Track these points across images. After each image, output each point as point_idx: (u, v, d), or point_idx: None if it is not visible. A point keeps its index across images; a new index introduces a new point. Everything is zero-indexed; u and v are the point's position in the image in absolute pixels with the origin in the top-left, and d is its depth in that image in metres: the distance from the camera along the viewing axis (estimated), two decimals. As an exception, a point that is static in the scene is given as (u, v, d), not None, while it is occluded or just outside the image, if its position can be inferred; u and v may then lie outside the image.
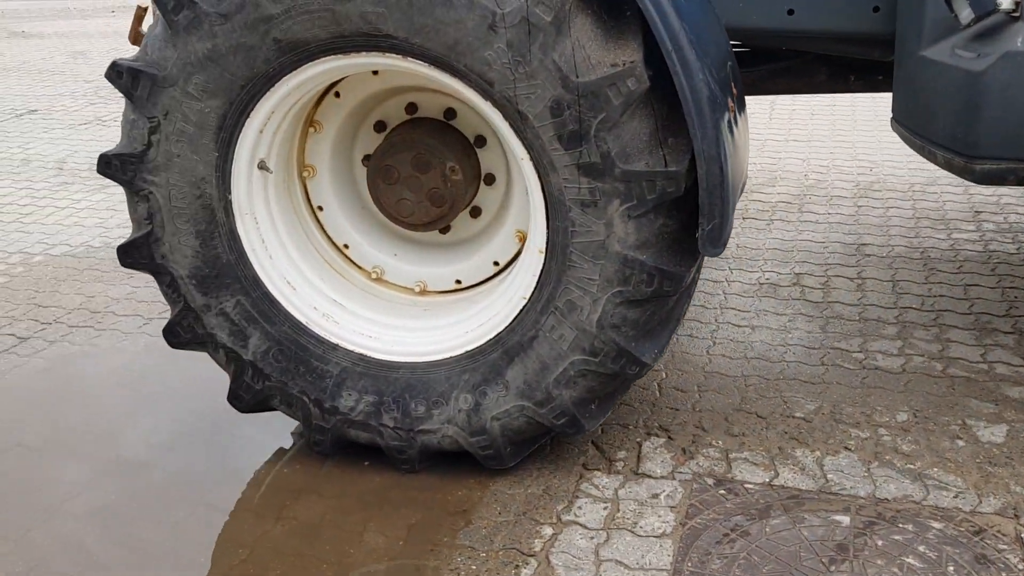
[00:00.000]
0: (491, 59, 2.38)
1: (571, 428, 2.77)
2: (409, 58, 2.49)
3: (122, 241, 2.88)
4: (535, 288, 2.70)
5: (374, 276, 3.14)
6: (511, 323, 2.73)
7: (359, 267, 3.15)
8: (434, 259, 3.16)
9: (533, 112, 2.42)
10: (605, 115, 2.38)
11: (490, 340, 2.78)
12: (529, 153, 2.51)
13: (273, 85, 2.60)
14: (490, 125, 2.83)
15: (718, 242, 2.48)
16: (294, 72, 2.58)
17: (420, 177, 2.88)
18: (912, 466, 2.91)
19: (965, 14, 2.84)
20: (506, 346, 2.74)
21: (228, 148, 2.70)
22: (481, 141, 2.99)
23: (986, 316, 3.84)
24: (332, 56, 2.54)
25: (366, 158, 3.08)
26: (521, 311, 2.71)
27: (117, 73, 2.64)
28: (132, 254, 2.86)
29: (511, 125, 2.49)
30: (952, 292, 4.07)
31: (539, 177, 2.54)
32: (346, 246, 3.15)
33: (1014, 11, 2.78)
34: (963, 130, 2.87)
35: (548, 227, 2.61)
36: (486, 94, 2.46)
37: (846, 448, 3.01)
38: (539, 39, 2.34)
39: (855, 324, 3.84)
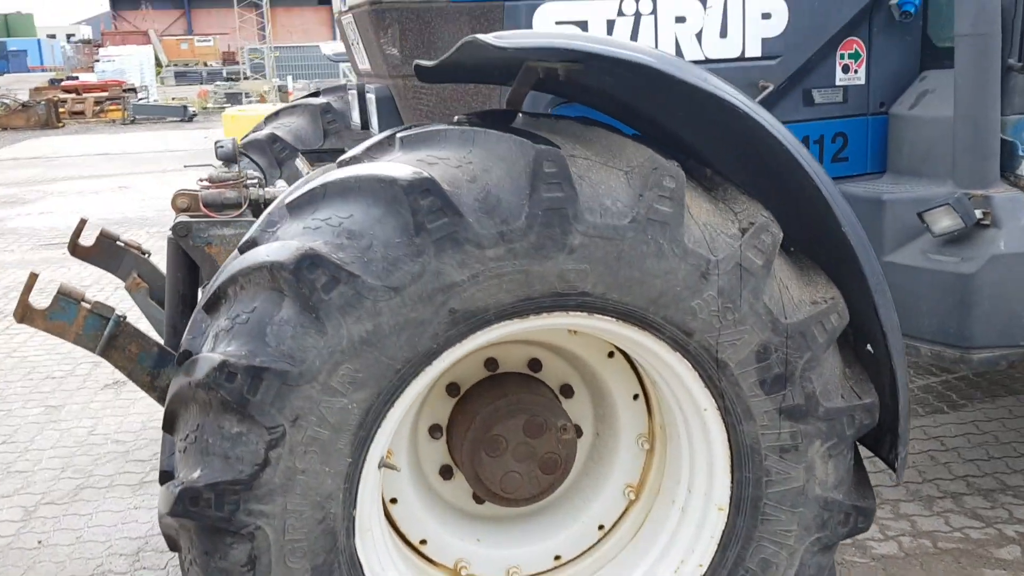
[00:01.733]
0: (698, 308, 2.17)
1: None
2: (596, 315, 2.18)
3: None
4: (716, 551, 2.41)
5: (462, 572, 2.59)
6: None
7: (439, 565, 2.59)
8: (523, 536, 2.70)
9: (736, 359, 2.23)
10: (811, 354, 2.27)
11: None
12: (718, 402, 2.29)
13: (431, 363, 2.10)
14: (584, 374, 2.58)
15: (904, 465, 2.44)
16: (457, 345, 2.11)
17: (533, 443, 2.48)
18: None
19: (942, 226, 3.18)
20: None
21: (363, 450, 2.10)
22: (568, 391, 2.68)
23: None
24: (507, 322, 2.13)
25: (435, 428, 2.59)
26: (701, 583, 2.40)
27: (226, 376, 1.96)
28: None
29: (700, 375, 2.27)
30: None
31: (726, 427, 2.32)
32: (423, 541, 2.57)
33: (983, 219, 3.18)
34: (956, 326, 3.16)
35: (733, 481, 2.37)
36: (678, 345, 2.23)
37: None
38: (750, 284, 2.19)
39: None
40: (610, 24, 3.12)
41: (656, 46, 3.14)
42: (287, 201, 2.22)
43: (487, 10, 3.05)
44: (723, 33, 3.21)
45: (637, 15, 3.14)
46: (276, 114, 4.80)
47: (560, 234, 2.04)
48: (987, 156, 3.18)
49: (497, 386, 2.55)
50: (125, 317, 2.87)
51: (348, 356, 1.99)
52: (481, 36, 2.05)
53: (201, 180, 3.30)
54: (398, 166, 2.08)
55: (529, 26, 3.05)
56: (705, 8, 3.18)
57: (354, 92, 3.66)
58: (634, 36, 3.14)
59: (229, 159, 3.29)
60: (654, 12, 3.14)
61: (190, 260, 3.14)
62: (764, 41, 3.24)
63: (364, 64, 3.49)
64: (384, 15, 3.06)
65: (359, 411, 2.04)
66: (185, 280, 3.17)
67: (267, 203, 3.43)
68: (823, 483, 2.36)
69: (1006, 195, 3.16)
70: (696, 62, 3.19)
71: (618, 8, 3.12)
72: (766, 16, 3.23)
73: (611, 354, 2.60)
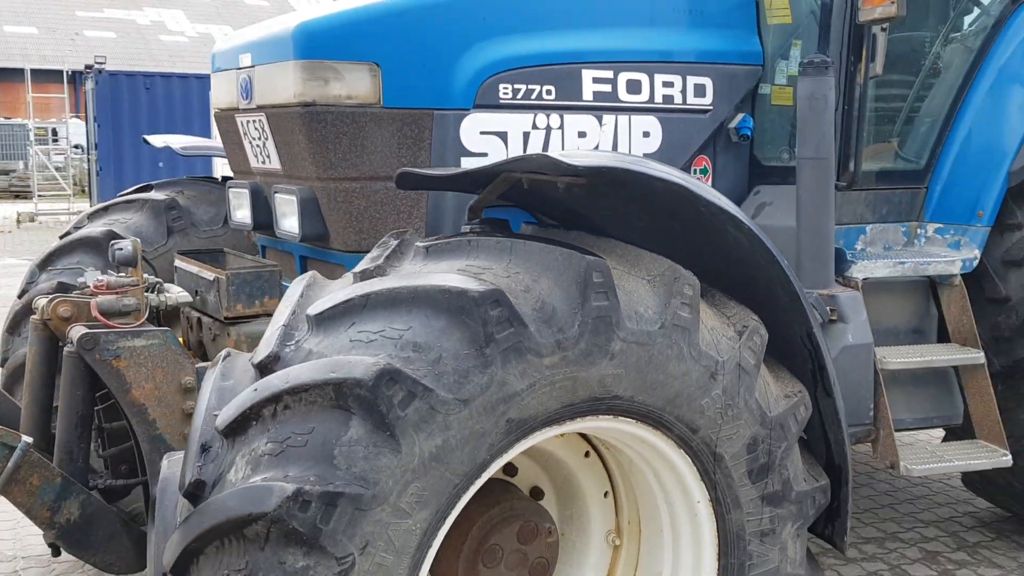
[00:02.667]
0: (705, 406, 2.34)
1: None
2: (621, 417, 2.28)
3: None
4: (703, 635, 2.53)
5: None
6: None
7: None
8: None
9: (731, 451, 2.41)
10: (787, 443, 2.50)
11: None
12: (711, 494, 2.46)
13: (480, 475, 2.08)
14: (555, 476, 2.66)
15: (847, 539, 2.73)
16: (504, 455, 2.11)
17: (525, 549, 2.49)
18: None
19: None
20: None
21: (416, 573, 2.02)
22: (537, 493, 2.72)
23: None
24: (547, 428, 2.17)
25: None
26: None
27: (300, 505, 1.80)
28: None
29: (698, 468, 2.42)
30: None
31: (716, 517, 2.48)
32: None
33: (832, 316, 3.65)
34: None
35: (719, 567, 2.52)
36: (683, 442, 2.37)
37: None
38: (745, 382, 2.40)
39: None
40: (526, 135, 3.29)
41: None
42: (314, 313, 2.11)
43: (418, 117, 3.10)
44: (614, 147, 3.48)
45: (548, 128, 3.33)
46: (105, 209, 4.39)
47: (605, 341, 2.12)
48: (826, 261, 3.65)
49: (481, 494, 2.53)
50: (31, 444, 2.52)
51: (418, 474, 1.92)
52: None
53: (89, 286, 2.98)
54: (455, 276, 2.07)
55: (457, 134, 3.14)
56: (600, 125, 3.43)
57: (243, 191, 3.50)
58: (545, 147, 3.32)
59: (129, 263, 3.00)
60: (561, 127, 3.35)
61: (91, 375, 2.81)
62: (644, 155, 3.55)
63: (269, 164, 3.35)
64: (319, 118, 3.00)
65: (420, 531, 1.97)
66: (85, 399, 2.83)
67: (168, 310, 3.16)
68: (792, 561, 2.58)
69: (847, 294, 3.65)
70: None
71: (532, 122, 3.29)
72: (646, 135, 3.55)
73: (587, 454, 2.68)
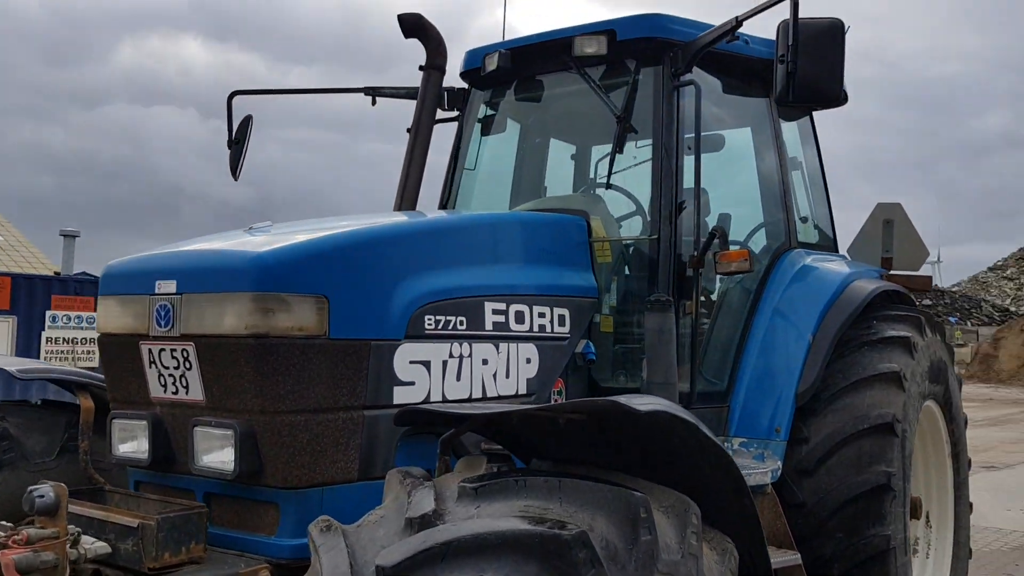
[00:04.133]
0: None
1: None
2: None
3: None
4: None
5: None
6: None
7: None
8: None
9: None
10: None
11: None
12: None
13: None
14: None
15: None
16: None
17: None
18: None
19: None
20: None
21: None
22: None
23: None
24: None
25: None
26: None
27: None
28: None
29: None
30: None
31: None
32: None
33: None
34: None
35: None
36: None
37: None
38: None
39: None
40: (444, 363, 3.46)
41: (471, 383, 3.54)
42: (388, 564, 2.09)
43: (358, 348, 3.17)
44: (507, 374, 3.75)
45: (460, 357, 3.53)
46: None
47: (649, 574, 2.31)
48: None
49: None
50: None
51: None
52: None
53: (7, 536, 2.58)
54: (521, 520, 2.17)
55: (391, 364, 3.23)
56: (498, 353, 3.70)
57: (139, 423, 3.25)
58: (459, 373, 3.49)
59: (50, 512, 2.65)
60: (470, 355, 3.57)
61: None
62: (527, 380, 3.85)
63: (184, 395, 3.16)
64: (270, 350, 2.95)
65: None
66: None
67: (89, 562, 2.79)
68: None
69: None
70: (490, 398, 3.67)
71: (449, 352, 3.48)
72: (528, 361, 3.86)
73: None
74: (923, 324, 5.05)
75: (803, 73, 3.76)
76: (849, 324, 4.78)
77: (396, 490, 2.51)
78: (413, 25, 5.05)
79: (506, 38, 5.22)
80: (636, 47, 4.57)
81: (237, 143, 5.23)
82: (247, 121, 5.27)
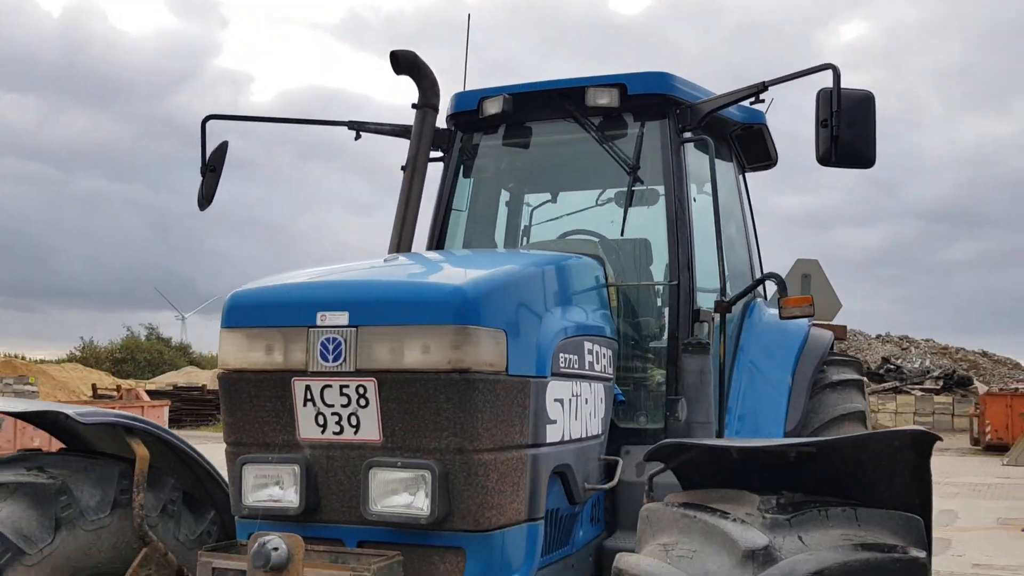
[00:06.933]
0: None
1: None
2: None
3: None
4: None
5: None
6: None
7: None
8: None
9: None
10: None
11: None
12: None
13: None
14: None
15: None
16: None
17: None
18: None
19: None
20: None
21: None
22: None
23: None
24: None
25: None
26: None
27: None
28: None
29: None
30: None
31: None
32: None
33: None
34: None
35: None
36: None
37: None
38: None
39: None
40: (569, 402, 3.48)
41: (582, 422, 3.56)
42: None
43: (524, 385, 3.18)
44: (594, 413, 3.79)
45: (576, 396, 3.57)
46: None
47: None
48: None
49: None
50: None
51: None
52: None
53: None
54: (868, 549, 2.28)
55: (544, 400, 3.22)
56: (591, 392, 3.73)
57: (289, 468, 2.93)
58: (576, 412, 3.52)
59: (283, 567, 2.33)
60: (579, 395, 3.59)
61: None
62: (601, 420, 3.90)
63: (352, 435, 2.90)
64: (472, 385, 2.82)
65: None
66: None
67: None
68: None
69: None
70: (588, 437, 3.68)
71: (571, 390, 3.49)
72: (600, 400, 3.92)
73: None
74: (861, 368, 5.63)
75: (845, 138, 4.17)
76: (819, 369, 5.24)
77: (677, 524, 2.50)
78: (408, 63, 4.98)
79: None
80: (645, 102, 4.81)
81: (213, 170, 4.85)
82: (223, 147, 4.91)
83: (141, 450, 3.36)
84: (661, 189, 5.59)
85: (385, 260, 3.28)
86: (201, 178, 4.89)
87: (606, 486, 3.60)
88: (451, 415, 2.85)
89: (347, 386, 2.93)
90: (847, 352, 12.96)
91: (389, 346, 2.89)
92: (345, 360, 2.92)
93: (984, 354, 41.83)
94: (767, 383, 5.12)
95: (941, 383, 34.13)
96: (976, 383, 34.73)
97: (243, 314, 3.14)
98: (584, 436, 3.63)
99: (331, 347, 2.92)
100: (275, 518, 3.04)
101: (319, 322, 2.96)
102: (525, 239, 5.67)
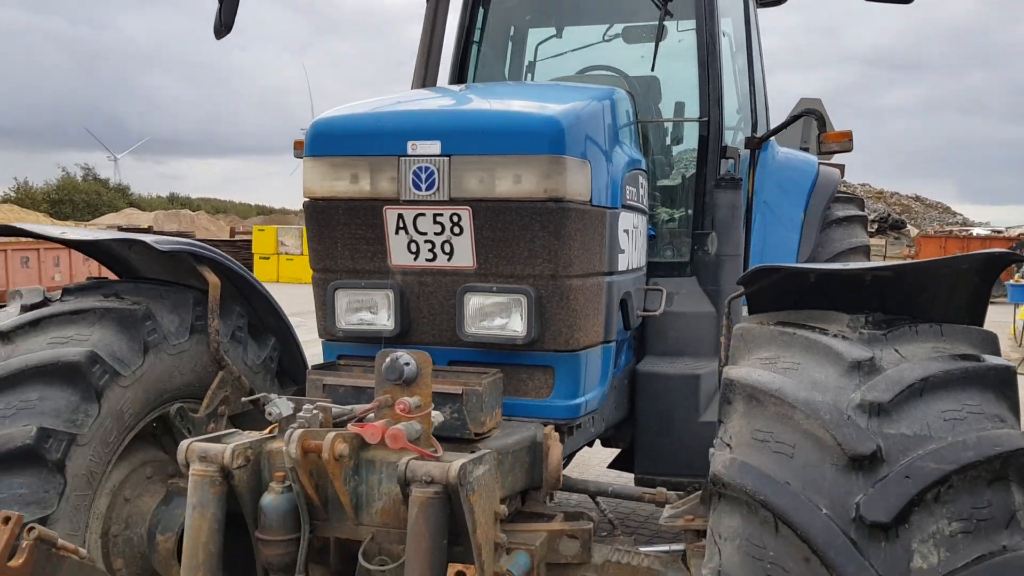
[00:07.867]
0: None
1: None
2: None
3: None
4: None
5: None
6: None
7: None
8: None
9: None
10: None
11: None
12: None
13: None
14: None
15: None
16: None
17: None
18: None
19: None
20: None
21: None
22: None
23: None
24: None
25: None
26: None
27: None
28: None
29: None
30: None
31: None
32: None
33: None
34: None
35: None
36: None
37: None
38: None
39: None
40: (631, 233, 3.55)
41: (641, 253, 3.69)
42: (884, 400, 2.28)
43: (603, 215, 3.22)
44: (643, 244, 3.91)
45: (635, 227, 3.64)
46: (34, 325, 2.95)
47: None
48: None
49: None
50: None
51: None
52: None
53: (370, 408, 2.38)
54: (961, 359, 2.47)
55: (617, 230, 3.31)
56: (644, 224, 3.84)
57: (383, 293, 3.01)
58: (635, 243, 3.62)
59: (414, 381, 2.45)
60: (637, 227, 3.68)
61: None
62: (645, 251, 4.03)
63: (446, 262, 2.98)
64: (564, 213, 2.90)
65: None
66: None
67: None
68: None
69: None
70: (636, 268, 3.82)
71: (632, 222, 3.57)
72: (641, 232, 4.04)
73: None
74: (863, 205, 5.85)
75: (888, -29, 4.19)
76: (829, 205, 5.43)
77: (775, 341, 2.66)
78: None
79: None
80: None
81: (228, -6, 4.65)
82: (241, -30, 4.69)
83: (212, 278, 3.40)
84: (675, 25, 5.58)
85: (466, 89, 3.26)
86: (218, 4, 4.69)
87: (656, 311, 3.76)
88: (545, 242, 2.94)
89: (441, 214, 2.98)
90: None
91: (482, 175, 2.93)
92: (439, 189, 2.96)
93: (917, 198, 43.18)
94: (779, 219, 5.31)
95: (876, 226, 35.30)
96: (909, 226, 35.98)
97: (328, 142, 3.12)
98: (639, 266, 3.78)
99: (424, 176, 2.95)
100: (367, 340, 3.15)
101: (410, 151, 2.98)
102: (530, 75, 5.63)
